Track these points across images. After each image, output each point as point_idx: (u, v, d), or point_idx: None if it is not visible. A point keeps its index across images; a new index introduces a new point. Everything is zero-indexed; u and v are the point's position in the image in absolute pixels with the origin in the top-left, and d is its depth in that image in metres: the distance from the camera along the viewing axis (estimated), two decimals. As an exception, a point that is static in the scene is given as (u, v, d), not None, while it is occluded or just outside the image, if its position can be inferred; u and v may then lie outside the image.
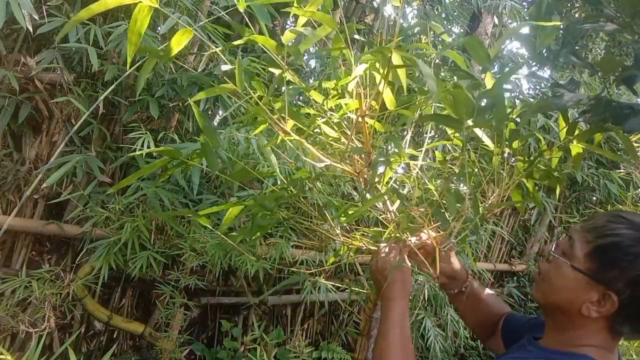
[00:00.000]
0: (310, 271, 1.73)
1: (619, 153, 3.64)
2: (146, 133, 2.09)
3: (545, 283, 0.91)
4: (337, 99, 1.09)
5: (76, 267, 2.26)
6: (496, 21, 4.42)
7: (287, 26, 3.13)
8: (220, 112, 2.48)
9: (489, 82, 1.01)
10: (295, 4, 0.89)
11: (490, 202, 1.07)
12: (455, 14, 4.20)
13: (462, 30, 4.35)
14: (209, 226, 1.33)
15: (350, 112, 1.09)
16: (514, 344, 1.02)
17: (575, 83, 0.98)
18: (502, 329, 1.14)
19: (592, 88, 3.60)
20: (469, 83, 0.88)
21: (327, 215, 1.23)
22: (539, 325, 1.03)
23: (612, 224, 0.83)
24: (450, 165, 1.21)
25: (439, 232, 1.09)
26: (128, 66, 0.92)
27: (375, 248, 1.14)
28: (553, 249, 0.91)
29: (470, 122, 0.90)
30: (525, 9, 4.21)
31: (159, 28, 2.23)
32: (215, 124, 2.58)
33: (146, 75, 0.93)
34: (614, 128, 0.91)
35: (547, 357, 0.87)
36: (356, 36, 1.09)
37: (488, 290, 1.23)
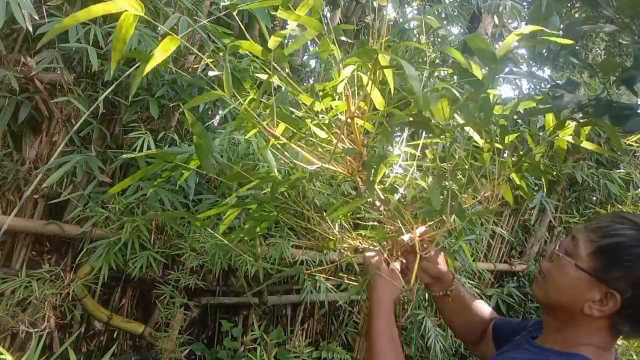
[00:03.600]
0: (310, 271, 1.73)
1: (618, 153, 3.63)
2: (146, 133, 2.10)
3: (547, 282, 0.92)
4: (330, 100, 1.09)
5: (76, 267, 2.26)
6: (496, 21, 4.40)
7: (287, 26, 3.12)
8: (221, 112, 2.48)
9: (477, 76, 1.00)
10: (281, 7, 0.89)
11: (482, 197, 1.07)
12: (455, 14, 4.19)
13: (462, 31, 4.34)
14: (207, 229, 1.33)
15: (340, 113, 1.09)
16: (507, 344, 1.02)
17: (574, 84, 0.97)
18: (492, 334, 1.13)
19: (592, 88, 3.60)
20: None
21: (326, 214, 1.23)
22: (533, 326, 1.03)
23: (616, 225, 0.84)
24: (441, 164, 1.21)
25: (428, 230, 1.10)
26: (112, 70, 0.92)
27: (374, 246, 1.14)
28: (556, 248, 0.92)
29: (460, 121, 0.90)
30: (526, 9, 4.20)
31: (159, 28, 2.23)
32: (216, 124, 2.58)
33: (140, 79, 0.93)
34: (603, 124, 0.91)
35: (545, 356, 0.88)
36: (343, 38, 1.09)
37: (474, 296, 1.23)
